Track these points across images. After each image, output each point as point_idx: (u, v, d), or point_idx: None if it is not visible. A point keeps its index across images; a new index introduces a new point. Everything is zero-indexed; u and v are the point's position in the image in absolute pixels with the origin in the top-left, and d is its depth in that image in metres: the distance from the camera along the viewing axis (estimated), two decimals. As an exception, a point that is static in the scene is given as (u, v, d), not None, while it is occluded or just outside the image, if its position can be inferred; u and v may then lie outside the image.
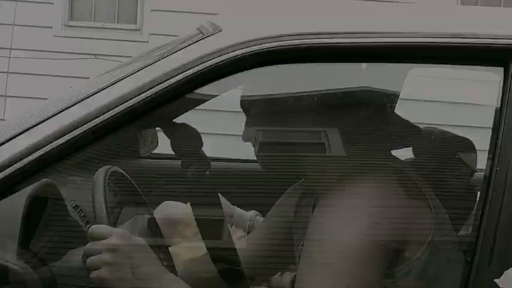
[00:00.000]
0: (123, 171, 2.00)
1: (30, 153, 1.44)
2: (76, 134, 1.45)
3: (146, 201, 2.07)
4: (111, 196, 1.95)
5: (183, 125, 1.62)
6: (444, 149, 2.13)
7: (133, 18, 7.01)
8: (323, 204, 1.64)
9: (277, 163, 1.74)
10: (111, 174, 1.91)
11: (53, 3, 6.86)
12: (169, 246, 2.11)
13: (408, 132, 1.87)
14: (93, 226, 1.65)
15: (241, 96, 1.71)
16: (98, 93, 1.53)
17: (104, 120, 1.47)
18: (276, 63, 1.52)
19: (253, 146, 1.73)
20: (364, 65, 1.74)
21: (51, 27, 6.89)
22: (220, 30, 1.58)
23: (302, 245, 1.74)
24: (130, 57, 7.28)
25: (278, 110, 1.68)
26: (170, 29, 6.81)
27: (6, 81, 6.57)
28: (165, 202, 2.72)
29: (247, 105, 1.72)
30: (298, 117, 1.68)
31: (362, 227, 1.55)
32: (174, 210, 2.89)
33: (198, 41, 1.58)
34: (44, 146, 1.44)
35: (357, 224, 1.56)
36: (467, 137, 2.29)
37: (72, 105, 1.52)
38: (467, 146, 2.30)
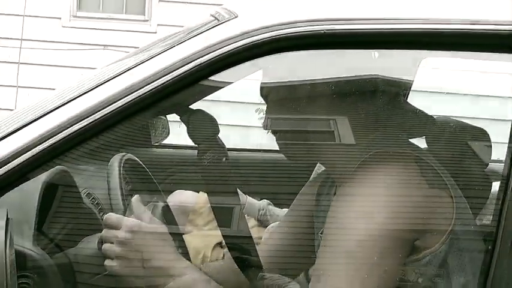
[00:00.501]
0: (137, 159, 1.99)
1: (43, 141, 1.43)
2: (92, 121, 1.45)
3: (160, 189, 2.06)
4: (124, 184, 1.94)
5: (200, 111, 1.61)
6: (459, 139, 2.12)
7: (142, 9, 7.01)
8: (342, 193, 1.63)
9: (296, 151, 1.73)
10: (126, 162, 1.90)
11: (61, -6, 6.87)
12: (183, 234, 2.11)
13: (424, 121, 1.86)
14: (108, 214, 1.65)
15: (261, 83, 1.70)
16: (112, 80, 1.52)
17: (120, 107, 1.46)
18: (293, 50, 1.51)
19: (273, 133, 1.72)
20: (376, 53, 1.72)
21: (60, 18, 6.89)
22: (237, 16, 1.57)
23: (322, 233, 1.73)
24: (139, 47, 7.20)
25: (297, 97, 1.67)
26: (178, 19, 6.81)
27: (17, 71, 6.56)
28: (177, 191, 2.71)
29: (267, 92, 1.71)
30: (316, 104, 1.67)
31: (382, 215, 1.54)
32: (186, 198, 2.89)
33: (213, 27, 1.56)
34: (58, 133, 1.43)
35: (376, 212, 1.55)
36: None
37: (87, 92, 1.50)
38: (482, 135, 2.29)
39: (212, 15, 1.72)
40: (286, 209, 2.75)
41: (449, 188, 1.62)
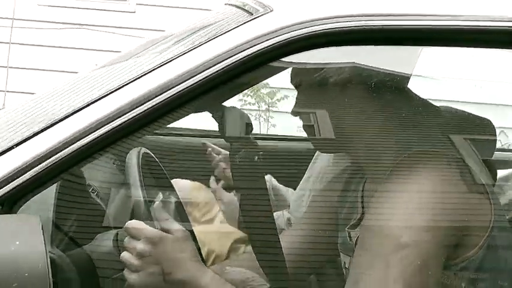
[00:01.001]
0: (151, 154, 1.92)
1: (77, 140, 1.35)
2: (126, 120, 1.38)
3: (173, 185, 2.00)
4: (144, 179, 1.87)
5: (233, 108, 1.56)
6: (465, 130, 2.09)
7: (120, -12, 6.88)
8: (385, 189, 1.58)
9: (328, 144, 1.70)
10: (143, 157, 1.83)
11: (37, -29, 6.71)
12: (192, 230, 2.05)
13: (436, 114, 1.83)
14: (129, 222, 1.56)
15: (292, 69, 1.65)
16: (143, 77, 1.45)
17: (154, 105, 1.39)
18: (334, 45, 1.47)
19: (302, 121, 1.69)
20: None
21: (36, -4, 6.75)
22: (272, 10, 1.51)
23: (349, 228, 1.71)
24: (117, 27, 7.06)
25: (329, 88, 1.63)
26: (158, -1, 6.71)
27: (8, 53, 6.41)
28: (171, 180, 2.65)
29: (298, 80, 1.67)
30: (347, 98, 1.64)
31: (428, 212, 1.52)
32: (179, 188, 2.81)
33: (248, 21, 1.50)
34: (91, 133, 1.36)
35: (423, 208, 1.52)
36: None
37: (117, 90, 1.43)
38: (487, 126, 2.26)
39: (241, 8, 1.65)
40: (290, 189, 2.69)
41: (484, 185, 1.60)
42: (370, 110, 1.65)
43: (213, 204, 2.86)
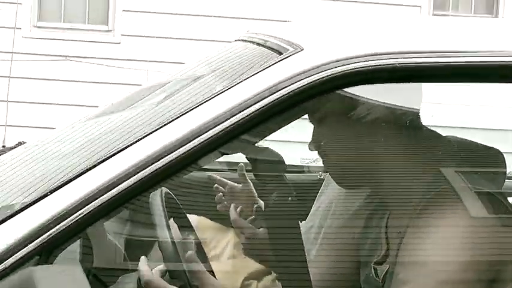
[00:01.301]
0: (172, 194, 1.90)
1: (118, 184, 1.33)
2: (166, 162, 1.36)
3: (192, 225, 1.98)
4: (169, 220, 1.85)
5: (266, 149, 1.54)
6: (475, 162, 2.08)
7: (105, 19, 6.86)
8: (417, 229, 1.58)
9: (352, 181, 1.69)
10: (165, 197, 1.81)
11: (21, 3, 6.66)
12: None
13: (454, 147, 1.82)
14: (148, 281, 1.51)
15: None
16: (172, 122, 1.43)
17: (187, 151, 1.38)
18: (370, 83, 1.46)
19: (320, 155, 1.68)
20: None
21: (20, 28, 6.70)
22: (303, 49, 1.50)
23: (375, 263, 1.70)
24: (102, 58, 7.03)
25: (357, 124, 1.62)
26: (142, 30, 6.69)
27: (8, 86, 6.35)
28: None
29: (322, 114, 1.65)
30: (377, 134, 1.63)
31: (462, 252, 1.52)
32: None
33: (279, 61, 1.48)
34: (131, 177, 1.34)
35: (456, 249, 1.52)
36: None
37: (145, 136, 1.41)
38: (497, 157, 2.26)
39: (263, 46, 1.64)
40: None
41: None
42: (398, 147, 1.64)
43: (220, 239, 2.82)
